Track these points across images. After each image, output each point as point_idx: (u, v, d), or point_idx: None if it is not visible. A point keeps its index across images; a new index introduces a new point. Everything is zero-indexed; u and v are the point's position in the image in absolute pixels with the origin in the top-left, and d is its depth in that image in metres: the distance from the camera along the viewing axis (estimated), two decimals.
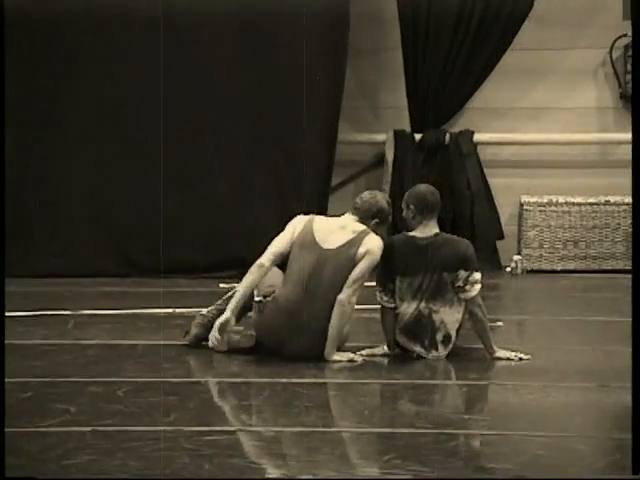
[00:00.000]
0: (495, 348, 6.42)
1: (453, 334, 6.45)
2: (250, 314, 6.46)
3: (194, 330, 6.65)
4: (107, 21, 9.99)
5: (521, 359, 6.36)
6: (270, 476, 4.22)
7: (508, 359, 6.38)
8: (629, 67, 10.50)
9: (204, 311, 6.63)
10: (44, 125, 10.02)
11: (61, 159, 10.00)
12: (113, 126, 10.10)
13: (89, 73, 10.04)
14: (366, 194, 6.56)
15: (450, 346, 6.45)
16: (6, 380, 5.88)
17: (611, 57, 10.60)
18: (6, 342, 6.87)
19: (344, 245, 6.26)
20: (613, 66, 10.61)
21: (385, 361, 6.50)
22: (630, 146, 11.42)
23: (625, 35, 10.45)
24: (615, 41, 10.55)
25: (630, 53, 10.43)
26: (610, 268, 10.36)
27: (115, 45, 10.10)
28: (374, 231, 6.38)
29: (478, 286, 6.40)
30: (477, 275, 6.41)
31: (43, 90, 10.02)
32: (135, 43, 10.05)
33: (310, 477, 3.72)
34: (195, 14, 9.93)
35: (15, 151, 9.85)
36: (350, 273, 6.22)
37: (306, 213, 6.50)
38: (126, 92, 10.05)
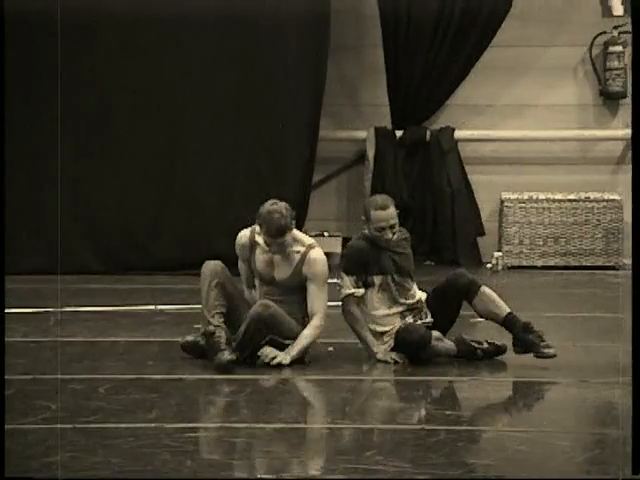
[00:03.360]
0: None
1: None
2: None
3: (195, 338, 6.54)
4: (91, 22, 9.96)
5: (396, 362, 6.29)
6: (260, 475, 4.21)
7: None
8: (608, 64, 10.53)
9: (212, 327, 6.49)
10: (28, 124, 9.98)
11: (44, 158, 9.97)
12: (96, 125, 10.07)
13: (72, 73, 10.00)
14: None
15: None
16: None
17: (590, 54, 10.63)
18: None
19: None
20: (592, 63, 10.64)
21: (366, 358, 6.50)
22: (610, 142, 11.49)
23: (604, 32, 10.49)
24: (595, 38, 10.58)
25: (609, 50, 10.47)
26: (590, 264, 10.40)
27: (98, 47, 10.08)
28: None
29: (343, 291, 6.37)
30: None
31: (30, 90, 9.98)
32: (118, 44, 10.01)
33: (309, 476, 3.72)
34: (177, 15, 9.92)
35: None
36: None
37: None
38: (110, 93, 10.02)
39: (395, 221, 6.24)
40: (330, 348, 6.63)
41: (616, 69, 10.53)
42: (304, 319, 6.37)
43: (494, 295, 6.26)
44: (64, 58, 9.94)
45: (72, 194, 10.01)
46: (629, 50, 10.50)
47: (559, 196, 10.46)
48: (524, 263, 10.45)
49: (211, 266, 6.36)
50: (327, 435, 5.13)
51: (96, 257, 10.00)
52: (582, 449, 4.91)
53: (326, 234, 10.48)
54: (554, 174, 10.62)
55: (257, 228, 6.37)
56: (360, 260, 6.32)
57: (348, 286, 6.33)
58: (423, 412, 5.49)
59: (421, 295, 6.46)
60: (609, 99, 10.61)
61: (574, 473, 4.57)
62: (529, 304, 8.63)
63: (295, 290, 6.35)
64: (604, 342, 7.44)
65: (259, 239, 6.35)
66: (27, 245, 9.93)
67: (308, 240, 6.43)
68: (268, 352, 6.21)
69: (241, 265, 6.54)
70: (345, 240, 10.55)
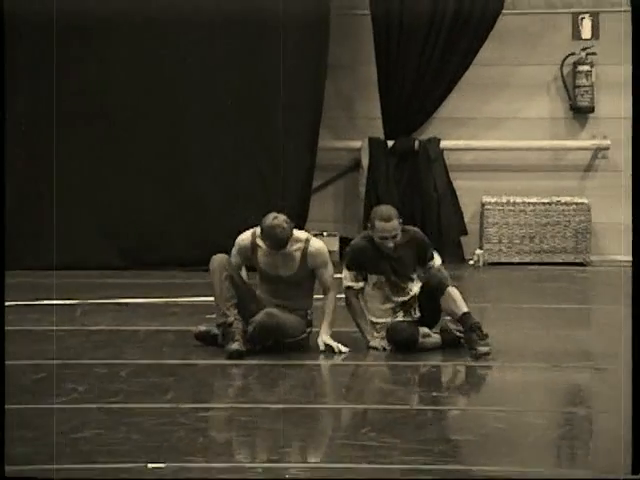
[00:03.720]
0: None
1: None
2: None
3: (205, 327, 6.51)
4: (92, 25, 9.78)
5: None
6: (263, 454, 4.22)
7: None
8: (577, 82, 10.53)
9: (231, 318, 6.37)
10: (51, 126, 9.91)
11: (69, 161, 9.92)
12: (114, 129, 9.96)
13: (87, 75, 9.87)
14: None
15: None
16: (22, 362, 5.91)
17: (562, 73, 10.63)
18: (21, 328, 6.90)
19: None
20: (563, 81, 10.64)
21: (361, 345, 6.50)
22: (579, 152, 11.47)
23: (573, 54, 10.49)
24: (565, 59, 10.58)
25: (578, 69, 10.47)
26: (561, 261, 10.40)
27: (104, 50, 9.90)
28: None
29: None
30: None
31: (45, 92, 9.89)
32: (129, 47, 9.86)
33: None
34: (185, 22, 9.84)
35: (25, 151, 9.81)
36: None
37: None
38: (126, 97, 9.89)
39: (397, 232, 6.18)
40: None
41: (584, 86, 10.53)
42: (307, 312, 6.35)
43: (457, 296, 6.19)
44: (73, 59, 9.85)
45: (95, 199, 9.98)
46: (596, 69, 10.51)
47: (534, 199, 10.47)
48: (503, 259, 10.44)
49: (219, 260, 6.28)
50: (326, 414, 5.14)
51: (116, 255, 9.97)
52: (554, 426, 4.92)
53: (325, 233, 10.49)
54: (529, 180, 10.63)
55: (258, 231, 6.27)
56: (360, 259, 6.31)
57: (348, 280, 6.34)
58: (412, 393, 5.49)
59: (416, 291, 6.40)
60: (578, 113, 10.62)
61: (547, 447, 4.58)
62: (507, 296, 8.66)
63: (300, 284, 6.29)
64: (574, 330, 7.46)
65: (260, 242, 6.25)
66: (52, 243, 9.89)
67: (303, 235, 6.32)
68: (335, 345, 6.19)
69: (237, 262, 6.35)
70: (342, 239, 10.58)
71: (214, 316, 6.34)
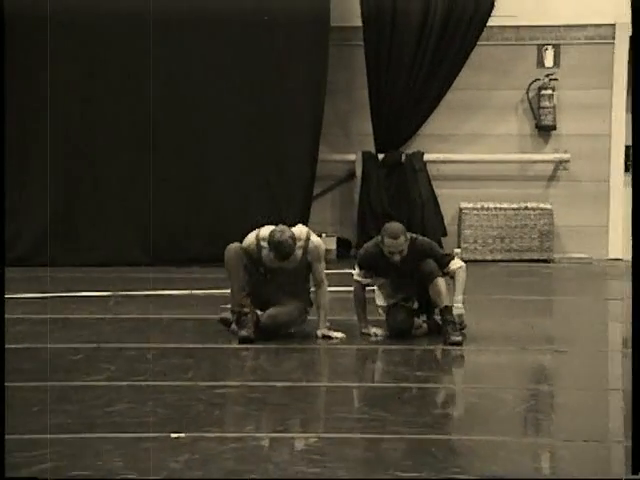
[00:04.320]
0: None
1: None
2: None
3: (227, 315, 6.41)
4: (91, 24, 9.66)
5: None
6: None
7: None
8: (541, 104, 10.51)
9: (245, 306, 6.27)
10: (85, 135, 9.86)
11: (102, 168, 9.89)
12: (146, 140, 9.78)
13: (118, 80, 9.75)
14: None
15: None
16: (62, 346, 5.90)
17: (528, 96, 10.62)
18: (62, 316, 6.89)
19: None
20: (529, 103, 10.62)
21: (356, 331, 6.50)
22: (543, 164, 11.47)
23: (538, 79, 10.48)
24: (531, 84, 10.57)
25: (542, 93, 10.46)
26: (528, 258, 10.39)
27: (126, 56, 9.74)
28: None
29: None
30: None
31: (78, 95, 9.77)
32: (160, 60, 9.66)
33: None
34: (206, 55, 9.83)
35: (63, 160, 9.77)
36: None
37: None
38: (152, 106, 9.74)
39: (402, 248, 6.05)
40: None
41: (547, 107, 10.52)
42: (307, 294, 6.25)
43: (442, 288, 6.12)
44: (110, 68, 9.73)
45: (127, 205, 9.96)
46: (557, 93, 10.50)
47: (504, 205, 10.45)
48: (478, 257, 10.44)
49: (234, 249, 6.14)
50: (325, 391, 5.13)
51: (143, 252, 9.96)
52: (521, 401, 4.91)
53: (324, 235, 10.47)
54: (501, 188, 10.61)
55: (261, 234, 6.15)
56: (369, 262, 6.23)
57: (357, 275, 6.28)
58: (399, 373, 5.49)
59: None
60: (542, 131, 10.61)
61: (515, 419, 4.58)
62: (481, 289, 8.64)
63: (300, 274, 6.22)
64: (539, 318, 7.45)
65: (264, 244, 6.14)
66: (87, 242, 9.87)
67: (303, 234, 6.20)
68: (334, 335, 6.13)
69: (238, 266, 6.15)
70: (339, 239, 10.58)
71: (229, 306, 6.32)
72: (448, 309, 6.13)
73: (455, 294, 6.23)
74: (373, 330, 6.28)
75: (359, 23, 10.30)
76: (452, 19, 10.26)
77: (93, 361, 5.52)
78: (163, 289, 8.22)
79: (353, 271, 6.38)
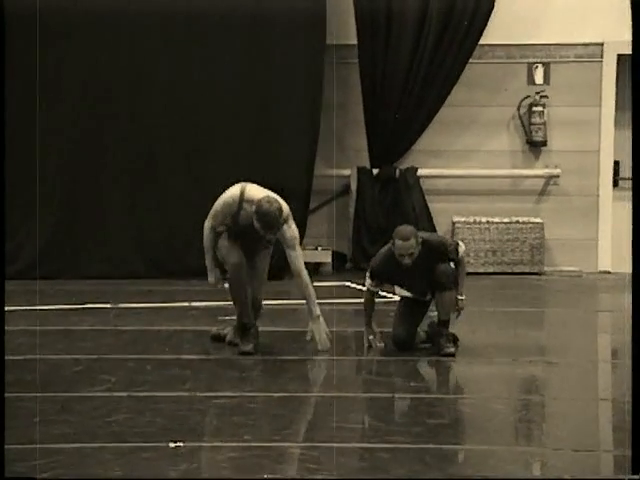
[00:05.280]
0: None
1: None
2: None
3: (219, 330, 6.41)
4: (92, 20, 9.54)
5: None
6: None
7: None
8: (532, 120, 10.53)
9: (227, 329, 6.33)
10: (85, 149, 9.86)
11: (102, 181, 9.86)
12: (145, 156, 9.78)
13: (117, 93, 9.64)
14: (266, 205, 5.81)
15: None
16: (64, 357, 5.89)
17: (519, 113, 10.64)
18: (63, 328, 6.89)
19: None
20: (520, 119, 10.65)
21: (352, 342, 6.50)
22: (534, 179, 11.48)
23: (529, 96, 10.51)
24: (522, 101, 10.59)
25: (533, 109, 10.48)
26: (519, 271, 10.39)
27: (125, 58, 9.64)
28: None
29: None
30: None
31: (78, 107, 9.64)
32: (139, 55, 9.61)
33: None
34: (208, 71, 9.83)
35: (68, 172, 9.74)
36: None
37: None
38: (155, 117, 9.72)
39: (413, 251, 5.98)
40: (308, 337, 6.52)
41: (538, 124, 10.54)
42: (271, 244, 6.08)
43: (447, 302, 6.11)
44: (105, 78, 9.64)
45: (128, 216, 9.94)
46: (547, 110, 10.53)
47: (496, 219, 10.47)
48: (470, 270, 10.32)
49: (240, 265, 6.01)
50: (320, 401, 5.14)
51: (144, 265, 9.95)
52: (512, 411, 4.92)
53: (319, 248, 10.50)
54: (492, 202, 10.63)
55: (245, 195, 5.92)
56: (380, 272, 6.17)
57: (370, 284, 6.21)
58: (393, 383, 5.49)
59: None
60: (533, 146, 10.63)
61: (507, 428, 4.58)
62: (473, 301, 8.62)
63: (261, 240, 6.05)
64: (530, 330, 7.45)
65: (246, 206, 5.91)
66: (89, 255, 9.85)
67: (285, 212, 5.93)
68: (319, 338, 6.01)
69: (216, 214, 6.03)
70: (334, 253, 10.58)
71: (226, 318, 6.32)
72: (446, 323, 6.14)
73: (459, 286, 6.18)
74: (372, 339, 6.25)
75: (354, 41, 10.34)
76: (445, 38, 10.30)
77: (93, 372, 5.52)
78: (163, 301, 8.21)
79: (365, 283, 6.26)
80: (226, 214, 6.02)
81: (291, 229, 6.04)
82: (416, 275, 6.13)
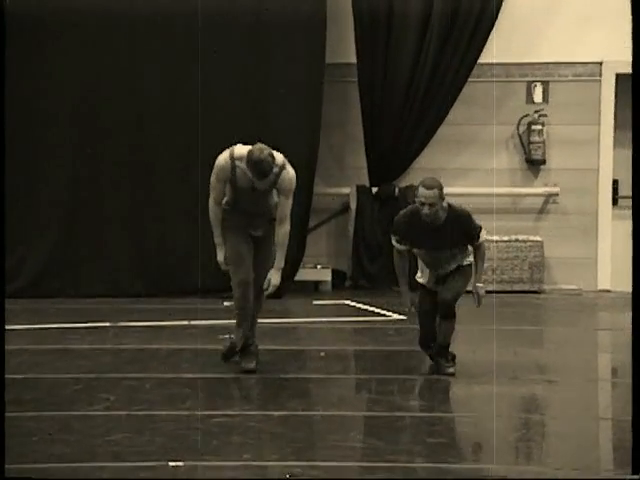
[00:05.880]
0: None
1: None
2: None
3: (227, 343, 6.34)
4: (84, 23, 9.54)
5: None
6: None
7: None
8: (531, 139, 10.57)
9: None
10: (85, 167, 9.87)
11: (102, 200, 9.86)
12: (143, 170, 9.82)
13: (119, 118, 9.67)
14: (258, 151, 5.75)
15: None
16: (63, 376, 5.89)
17: (518, 131, 10.68)
18: (63, 347, 6.88)
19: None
20: (520, 138, 10.69)
21: (351, 360, 6.49)
22: (533, 197, 11.48)
23: (528, 115, 10.55)
24: (521, 119, 10.63)
25: (532, 128, 10.52)
26: (519, 289, 10.40)
27: (129, 79, 9.65)
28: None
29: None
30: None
31: (78, 125, 9.68)
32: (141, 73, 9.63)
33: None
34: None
35: (68, 191, 9.75)
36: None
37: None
38: (154, 137, 9.74)
39: (434, 201, 5.80)
40: (322, 353, 6.62)
41: (537, 142, 10.58)
42: (272, 207, 6.06)
43: (448, 330, 6.09)
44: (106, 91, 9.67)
45: (127, 235, 9.95)
46: (546, 128, 10.56)
47: (496, 237, 10.48)
48: (469, 288, 10.43)
49: (248, 283, 5.97)
50: (320, 420, 5.14)
51: (143, 283, 9.94)
52: (512, 429, 4.92)
53: (319, 266, 10.51)
54: (492, 221, 10.64)
55: (235, 153, 5.86)
56: (402, 230, 6.01)
57: (394, 240, 6.06)
58: (393, 402, 5.49)
59: (462, 262, 6.09)
60: (532, 165, 10.67)
61: (507, 447, 4.57)
62: (474, 319, 8.63)
63: (268, 195, 6.02)
64: (531, 348, 7.45)
65: (238, 163, 5.85)
66: (90, 274, 9.85)
67: (280, 159, 5.91)
68: (267, 285, 5.89)
69: (217, 186, 5.94)
70: (334, 271, 10.58)
71: (226, 336, 6.31)
72: (445, 347, 6.14)
73: (477, 273, 6.11)
74: (409, 307, 6.09)
75: (353, 60, 10.38)
76: (444, 57, 10.35)
77: (93, 391, 5.51)
78: (162, 320, 8.21)
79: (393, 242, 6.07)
80: (223, 180, 5.94)
81: (289, 174, 5.99)
82: (435, 239, 5.94)
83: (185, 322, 8.09)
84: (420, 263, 6.23)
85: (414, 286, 6.24)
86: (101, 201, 9.90)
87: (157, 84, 9.81)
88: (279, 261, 5.99)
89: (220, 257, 6.13)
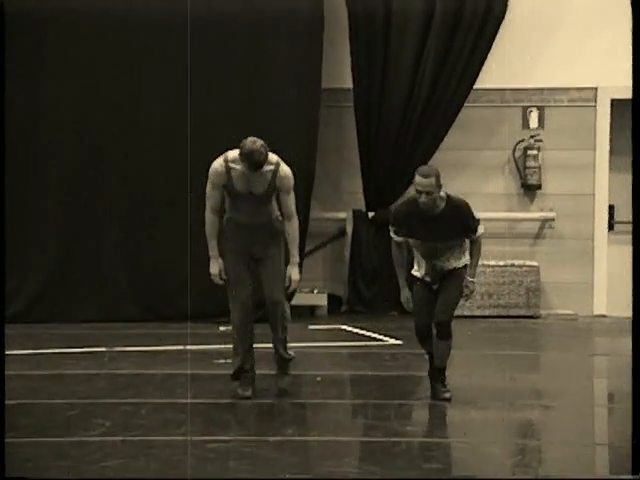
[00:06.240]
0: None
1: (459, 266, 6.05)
2: None
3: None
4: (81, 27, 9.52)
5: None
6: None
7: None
8: (527, 164, 10.61)
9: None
10: (82, 192, 9.87)
11: (97, 224, 9.87)
12: (138, 198, 9.80)
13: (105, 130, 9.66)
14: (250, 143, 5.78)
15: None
16: (58, 401, 5.88)
17: (514, 156, 10.72)
18: (58, 372, 6.87)
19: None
20: (515, 163, 10.73)
21: (348, 383, 6.48)
22: (529, 222, 11.51)
23: (523, 140, 10.60)
24: (517, 144, 10.68)
25: (528, 153, 10.56)
26: (515, 314, 10.40)
27: (126, 82, 9.62)
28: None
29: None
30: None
31: (73, 150, 9.66)
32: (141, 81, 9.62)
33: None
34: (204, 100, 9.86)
35: (63, 217, 9.75)
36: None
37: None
38: (149, 164, 9.71)
39: (431, 189, 5.80)
40: (318, 378, 6.61)
41: (533, 167, 10.63)
42: (273, 219, 6.07)
43: (444, 352, 6.07)
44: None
45: (122, 260, 9.95)
46: (542, 153, 10.61)
47: (492, 262, 10.50)
48: (466, 313, 10.44)
49: (248, 308, 5.98)
50: (316, 445, 5.13)
51: (138, 309, 9.93)
52: (508, 455, 4.91)
53: (315, 291, 10.51)
54: (488, 245, 10.57)
55: (228, 156, 5.90)
56: (397, 221, 6.04)
57: (392, 231, 6.08)
58: (389, 427, 5.48)
59: (456, 264, 6.04)
60: (528, 190, 10.70)
61: (503, 474, 4.57)
62: (470, 345, 8.64)
63: (267, 200, 5.99)
64: (527, 373, 7.45)
65: (233, 165, 5.86)
66: (85, 299, 9.83)
67: (274, 158, 5.95)
68: (288, 282, 5.94)
69: (213, 193, 5.95)
70: (329, 296, 10.58)
71: (221, 361, 6.30)
72: (441, 371, 6.14)
73: (471, 268, 6.07)
74: (410, 304, 6.08)
75: (350, 85, 10.44)
76: (440, 82, 10.40)
77: (88, 416, 5.51)
78: (157, 345, 8.20)
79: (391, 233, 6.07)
80: (219, 185, 5.95)
81: (285, 171, 5.99)
82: (433, 229, 5.91)
83: (180, 347, 8.08)
84: (417, 256, 6.17)
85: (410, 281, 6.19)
86: (97, 226, 9.91)
87: (151, 114, 9.80)
88: (294, 256, 6.05)
89: (214, 270, 6.09)
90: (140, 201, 9.91)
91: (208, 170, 9.86)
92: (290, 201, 6.06)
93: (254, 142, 5.80)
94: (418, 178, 5.90)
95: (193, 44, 9.58)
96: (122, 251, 9.93)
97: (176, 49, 9.69)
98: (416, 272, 6.26)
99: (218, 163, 6.00)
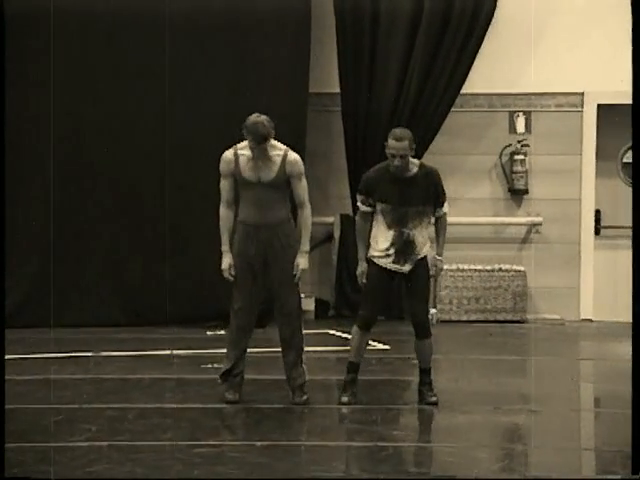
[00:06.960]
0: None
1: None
2: None
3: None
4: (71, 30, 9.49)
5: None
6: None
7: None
8: (514, 168, 10.66)
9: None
10: (72, 197, 9.82)
11: (83, 228, 9.84)
12: (125, 202, 9.78)
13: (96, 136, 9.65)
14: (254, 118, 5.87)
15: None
16: (44, 406, 5.87)
17: (501, 161, 10.76)
18: (44, 377, 6.85)
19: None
20: (502, 168, 10.76)
21: (335, 388, 6.49)
22: (516, 227, 11.55)
23: (510, 145, 10.64)
24: (503, 149, 10.72)
25: (515, 158, 10.59)
26: (502, 319, 10.43)
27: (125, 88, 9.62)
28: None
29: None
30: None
31: (60, 154, 9.56)
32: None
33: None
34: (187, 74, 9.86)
35: (49, 221, 9.72)
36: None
37: None
38: (136, 169, 9.69)
39: (405, 152, 5.81)
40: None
41: (520, 172, 10.67)
42: (284, 219, 6.08)
43: (427, 351, 6.08)
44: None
45: (108, 265, 9.93)
46: (529, 158, 10.66)
47: (479, 267, 10.53)
48: (453, 318, 10.47)
49: (247, 311, 6.02)
50: (303, 450, 5.13)
51: (124, 313, 9.91)
52: (495, 460, 4.93)
53: (302, 295, 10.47)
54: (475, 250, 10.69)
55: (239, 145, 5.96)
56: (367, 186, 6.04)
57: (360, 200, 6.07)
58: (375, 432, 5.49)
59: (421, 241, 5.99)
60: (515, 194, 10.74)
61: (490, 478, 4.58)
62: (457, 349, 8.66)
63: (277, 189, 5.96)
64: (513, 378, 7.47)
65: (241, 152, 5.93)
66: (71, 304, 9.80)
67: (282, 145, 6.00)
68: (296, 270, 5.95)
69: (224, 184, 6.03)
70: (317, 300, 10.59)
71: (209, 366, 6.29)
72: (428, 371, 6.14)
73: (438, 246, 6.07)
74: (363, 279, 6.09)
75: (337, 89, 10.46)
76: (427, 87, 10.43)
77: (74, 421, 5.49)
78: (144, 349, 8.19)
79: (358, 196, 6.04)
80: (228, 174, 6.01)
81: (293, 156, 5.99)
82: (405, 193, 5.89)
83: (167, 352, 8.07)
84: (381, 228, 6.08)
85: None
86: (83, 232, 9.88)
87: (141, 119, 9.79)
88: (304, 244, 6.10)
89: (224, 265, 6.13)
90: (126, 206, 9.89)
91: (195, 176, 9.91)
92: (302, 188, 6.07)
93: (258, 116, 5.92)
94: (391, 142, 5.91)
95: (177, 48, 9.59)
96: (108, 256, 9.91)
97: (163, 51, 9.69)
98: (374, 251, 6.16)
99: (228, 152, 6.09)
